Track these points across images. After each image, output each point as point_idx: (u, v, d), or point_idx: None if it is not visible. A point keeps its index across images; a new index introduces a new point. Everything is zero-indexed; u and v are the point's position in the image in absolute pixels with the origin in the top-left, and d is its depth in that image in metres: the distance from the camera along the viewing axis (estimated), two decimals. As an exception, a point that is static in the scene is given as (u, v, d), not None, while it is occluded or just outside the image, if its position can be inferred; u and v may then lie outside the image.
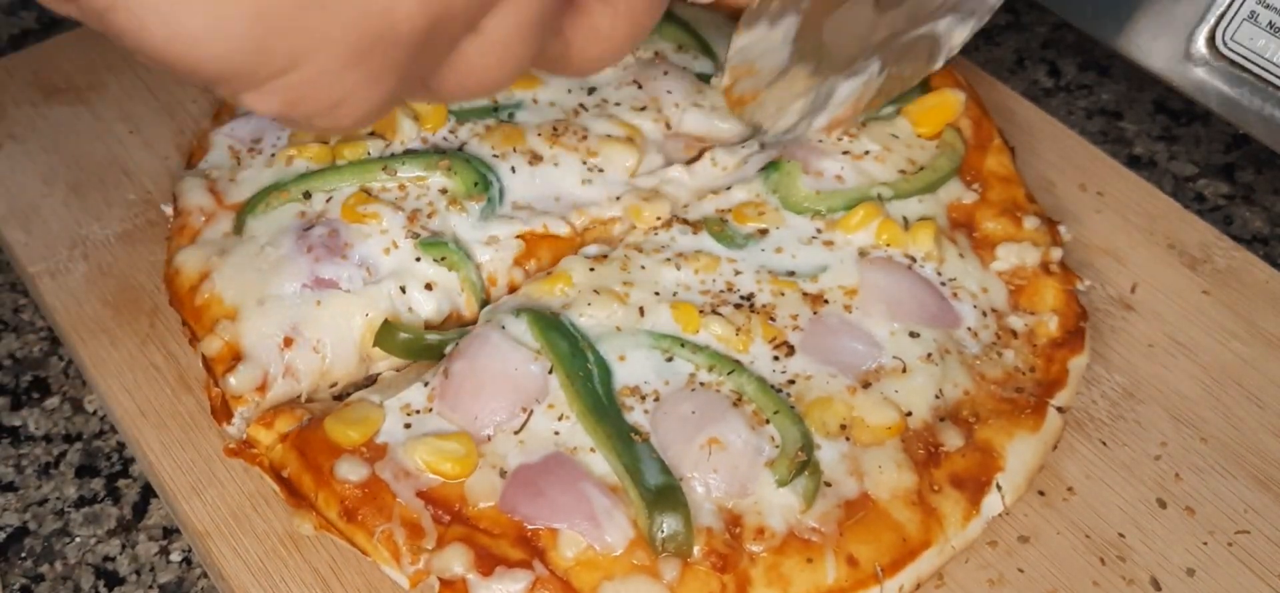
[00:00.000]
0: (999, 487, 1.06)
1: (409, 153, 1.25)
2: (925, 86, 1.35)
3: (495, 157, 1.25)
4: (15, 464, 1.15)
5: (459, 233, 1.19)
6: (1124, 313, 1.24)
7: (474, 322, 1.16)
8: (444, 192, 1.21)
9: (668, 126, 1.31)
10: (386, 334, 1.13)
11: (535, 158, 1.25)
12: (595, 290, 1.14)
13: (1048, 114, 1.44)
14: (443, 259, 1.16)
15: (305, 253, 1.15)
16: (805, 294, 1.16)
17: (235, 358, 1.10)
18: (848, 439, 1.05)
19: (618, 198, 1.24)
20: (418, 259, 1.16)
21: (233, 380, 1.09)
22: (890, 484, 1.03)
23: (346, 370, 1.14)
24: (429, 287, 1.16)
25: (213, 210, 1.21)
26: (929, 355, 1.11)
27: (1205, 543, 1.07)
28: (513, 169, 1.24)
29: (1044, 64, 1.60)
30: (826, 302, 1.15)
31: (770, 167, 1.25)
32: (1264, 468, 1.12)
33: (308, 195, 1.20)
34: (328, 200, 1.20)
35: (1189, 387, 1.18)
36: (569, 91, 1.33)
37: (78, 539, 1.10)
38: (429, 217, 1.19)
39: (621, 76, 1.34)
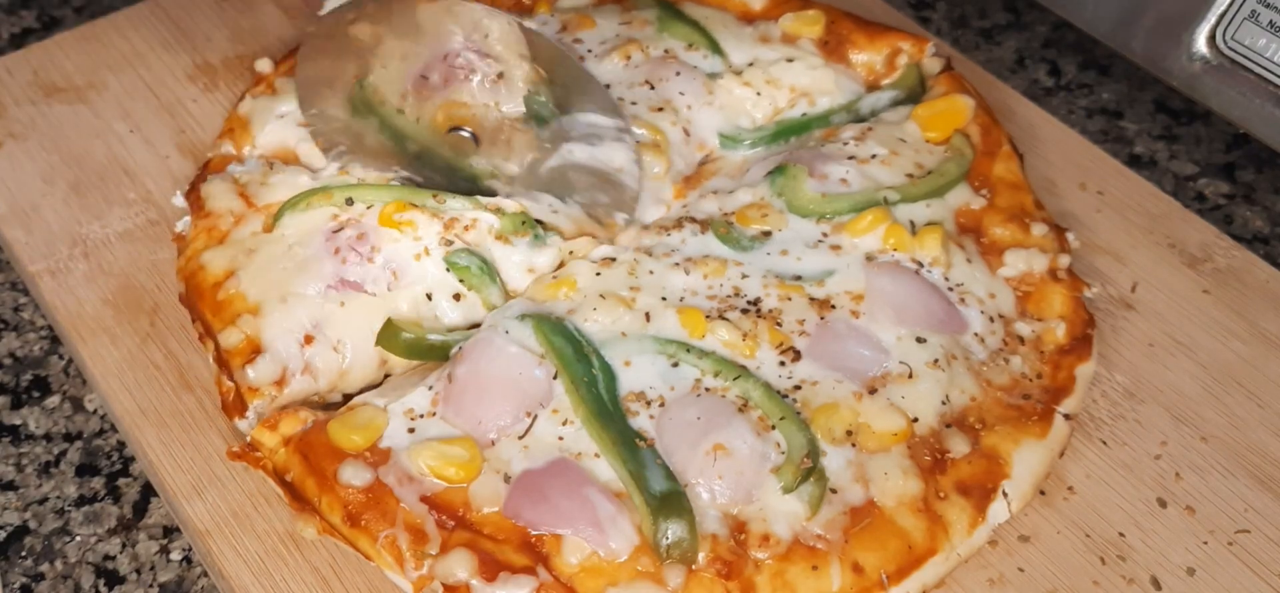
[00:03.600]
0: (1005, 494, 1.06)
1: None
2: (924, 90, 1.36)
3: None
4: (15, 463, 1.15)
5: (492, 253, 1.18)
6: (1124, 312, 1.24)
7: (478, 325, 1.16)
8: (490, 229, 1.19)
9: (686, 133, 1.31)
10: (388, 334, 1.13)
11: None
12: (601, 295, 1.13)
13: (1048, 114, 1.43)
14: (463, 280, 1.16)
15: (332, 255, 1.15)
16: (812, 299, 1.15)
17: (254, 352, 1.10)
18: (854, 446, 1.05)
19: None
20: (447, 269, 1.16)
21: (251, 372, 1.09)
22: (896, 491, 1.03)
23: (366, 373, 1.14)
24: (458, 297, 1.16)
25: (243, 212, 1.20)
26: (936, 361, 1.11)
27: (1205, 542, 1.07)
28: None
29: (1044, 64, 1.59)
30: (833, 307, 1.15)
31: (776, 171, 1.25)
32: (1264, 467, 1.12)
33: (350, 202, 1.18)
34: (368, 209, 1.18)
35: (1189, 386, 1.18)
36: None
37: (78, 538, 1.10)
38: (465, 230, 1.17)
39: (633, 76, 1.34)
